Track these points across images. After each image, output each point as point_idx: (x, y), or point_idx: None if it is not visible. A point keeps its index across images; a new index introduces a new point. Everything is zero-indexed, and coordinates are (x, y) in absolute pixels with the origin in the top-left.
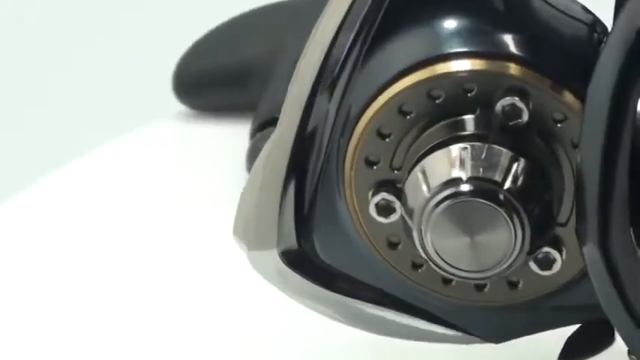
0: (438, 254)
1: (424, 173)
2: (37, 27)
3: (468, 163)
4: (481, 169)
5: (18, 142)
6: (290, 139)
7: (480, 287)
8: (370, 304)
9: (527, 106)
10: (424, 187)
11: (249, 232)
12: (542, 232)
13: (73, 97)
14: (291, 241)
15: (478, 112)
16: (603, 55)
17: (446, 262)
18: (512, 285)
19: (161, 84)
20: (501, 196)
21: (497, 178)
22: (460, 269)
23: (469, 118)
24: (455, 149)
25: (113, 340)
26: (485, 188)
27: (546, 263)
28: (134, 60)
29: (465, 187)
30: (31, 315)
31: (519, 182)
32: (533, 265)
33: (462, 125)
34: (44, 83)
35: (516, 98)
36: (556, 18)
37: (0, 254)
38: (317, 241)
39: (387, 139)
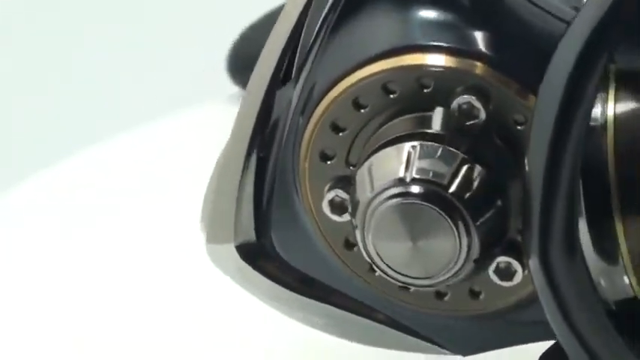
0: (380, 257)
1: (370, 171)
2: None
3: (415, 164)
4: (429, 171)
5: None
6: (249, 128)
7: (440, 295)
8: (328, 305)
9: (485, 106)
10: (368, 186)
11: (207, 224)
12: (496, 240)
13: (126, 76)
14: (250, 235)
15: (435, 110)
16: (557, 52)
17: (389, 266)
18: (474, 295)
19: (215, 64)
20: (445, 200)
21: (444, 180)
22: (403, 275)
23: (425, 116)
24: (404, 148)
25: (106, 335)
26: (428, 191)
27: (507, 274)
28: (187, 41)
29: (408, 189)
30: (28, 312)
31: (468, 186)
32: (493, 275)
33: (417, 123)
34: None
35: (473, 97)
36: (535, 16)
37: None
38: (275, 236)
39: (342, 133)
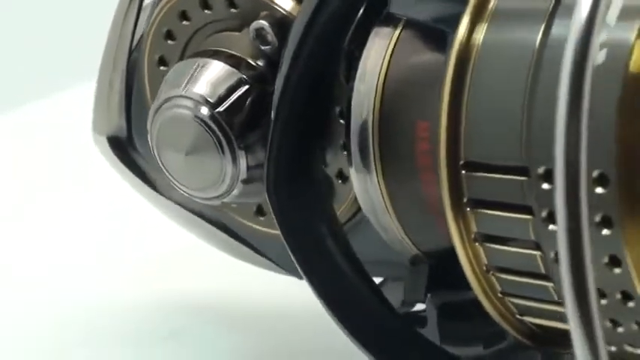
0: (164, 165)
1: (165, 81)
2: None
3: (195, 80)
4: (204, 88)
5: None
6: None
7: (260, 212)
8: (181, 208)
9: (278, 33)
10: (157, 95)
11: (92, 113)
12: None
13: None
14: (121, 129)
15: (243, 31)
16: None
17: (171, 175)
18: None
19: None
20: (212, 118)
21: (213, 99)
22: (183, 185)
23: (232, 36)
24: (193, 63)
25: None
26: (197, 106)
27: None
28: None
29: (179, 102)
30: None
31: (239, 109)
32: None
33: (224, 42)
34: None
35: (266, 23)
36: None
37: None
38: (134, 132)
39: (173, 42)
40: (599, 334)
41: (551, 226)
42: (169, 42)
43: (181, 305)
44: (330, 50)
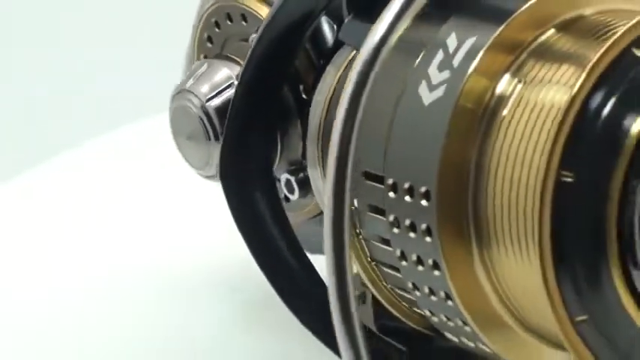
0: (177, 145)
1: (185, 74)
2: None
3: (198, 77)
4: (204, 86)
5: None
6: None
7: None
8: None
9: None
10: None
11: None
12: None
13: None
14: None
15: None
16: None
17: (180, 152)
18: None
19: None
20: (202, 110)
21: (208, 96)
22: (188, 163)
23: (244, 46)
24: (206, 63)
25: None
26: (188, 98)
27: (290, 189)
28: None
29: (184, 94)
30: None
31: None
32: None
33: (238, 50)
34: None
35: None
36: None
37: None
38: None
39: (211, 45)
40: (354, 310)
41: (395, 229)
42: (209, 45)
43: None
44: (282, 53)
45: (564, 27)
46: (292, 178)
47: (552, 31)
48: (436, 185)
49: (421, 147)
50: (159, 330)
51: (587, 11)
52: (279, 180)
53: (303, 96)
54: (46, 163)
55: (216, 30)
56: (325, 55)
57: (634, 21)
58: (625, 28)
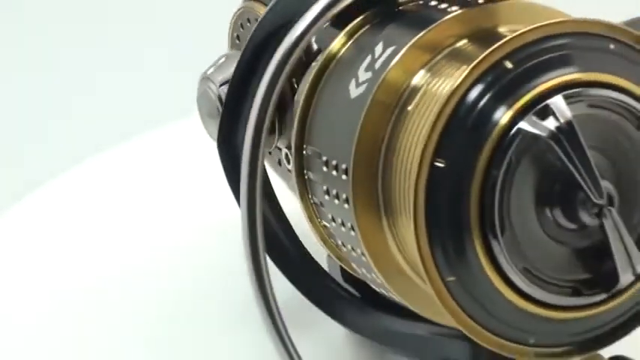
0: (202, 122)
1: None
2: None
3: (217, 67)
4: (220, 74)
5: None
6: None
7: None
8: None
9: None
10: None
11: None
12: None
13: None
14: None
15: None
16: None
17: (205, 128)
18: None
19: None
20: (216, 93)
21: (222, 81)
22: (211, 137)
23: None
24: (225, 56)
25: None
26: (208, 84)
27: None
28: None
29: (205, 80)
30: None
31: None
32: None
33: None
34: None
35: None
36: None
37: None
38: None
39: (239, 42)
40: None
41: (326, 196)
42: (237, 42)
43: None
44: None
45: (478, 37)
46: (289, 152)
47: (465, 40)
48: (352, 164)
49: (345, 132)
50: (159, 330)
51: (502, 29)
52: (279, 149)
53: (295, 86)
54: (49, 171)
55: (242, 30)
56: (312, 53)
57: (510, 36)
58: (502, 41)
